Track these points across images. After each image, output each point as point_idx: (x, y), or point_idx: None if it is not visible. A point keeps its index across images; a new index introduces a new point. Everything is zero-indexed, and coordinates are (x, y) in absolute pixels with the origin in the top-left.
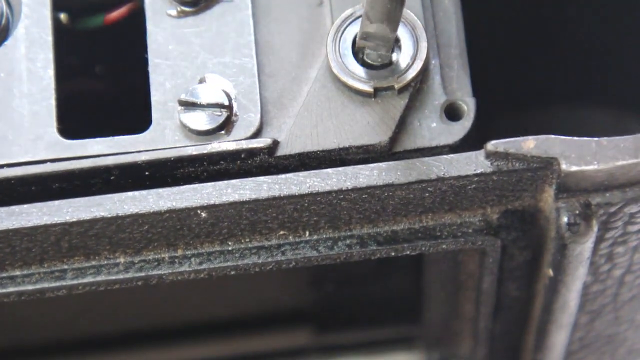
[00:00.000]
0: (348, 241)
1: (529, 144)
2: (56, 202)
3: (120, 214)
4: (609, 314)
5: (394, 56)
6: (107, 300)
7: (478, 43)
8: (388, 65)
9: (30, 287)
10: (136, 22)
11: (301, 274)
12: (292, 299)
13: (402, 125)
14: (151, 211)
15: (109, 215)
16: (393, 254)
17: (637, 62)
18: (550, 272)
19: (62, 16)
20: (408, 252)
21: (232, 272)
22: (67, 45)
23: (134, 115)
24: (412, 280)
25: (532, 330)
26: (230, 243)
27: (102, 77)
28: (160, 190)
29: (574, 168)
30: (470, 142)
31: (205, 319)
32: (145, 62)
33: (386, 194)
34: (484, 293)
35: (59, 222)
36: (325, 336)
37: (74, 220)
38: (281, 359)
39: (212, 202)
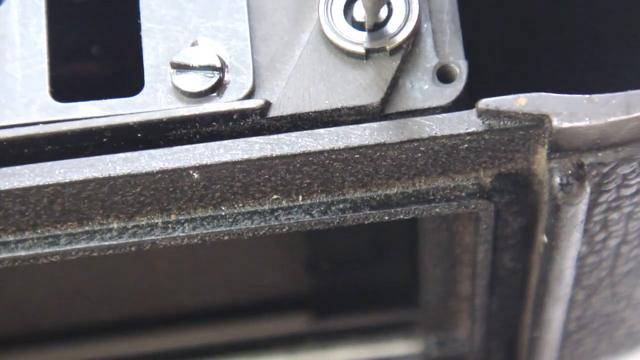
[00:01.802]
0: (341, 205)
1: (521, 101)
2: (48, 164)
3: (112, 175)
4: (605, 289)
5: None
6: (103, 285)
7: (472, 35)
8: (380, 27)
9: (23, 253)
10: None
11: (298, 259)
12: (289, 284)
13: (394, 87)
14: (143, 172)
15: (101, 176)
16: (387, 218)
17: (637, 58)
18: (545, 239)
19: None
20: (401, 216)
21: (226, 237)
22: (61, 12)
23: (128, 80)
24: (408, 263)
25: (529, 306)
26: (223, 208)
27: (96, 44)
28: (152, 151)
29: (565, 124)
30: (462, 105)
31: (201, 304)
32: (138, 27)
33: (378, 154)
34: (479, 265)
35: (51, 182)
36: (322, 322)
37: (66, 181)
38: (278, 345)
39: (204, 162)
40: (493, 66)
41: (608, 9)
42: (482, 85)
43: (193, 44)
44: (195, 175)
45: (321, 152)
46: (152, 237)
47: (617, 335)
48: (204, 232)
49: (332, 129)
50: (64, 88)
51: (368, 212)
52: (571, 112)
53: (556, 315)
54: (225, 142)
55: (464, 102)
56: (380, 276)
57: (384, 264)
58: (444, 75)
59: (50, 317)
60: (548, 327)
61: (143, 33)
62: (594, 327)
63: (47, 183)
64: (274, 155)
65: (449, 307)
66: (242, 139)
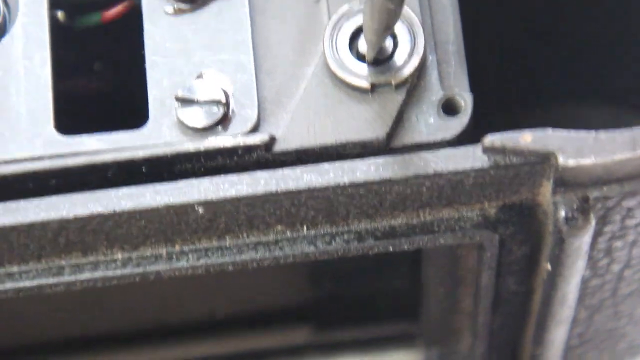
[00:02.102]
0: (346, 236)
1: (526, 138)
2: (53, 198)
3: (117, 210)
4: (608, 308)
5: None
6: (106, 298)
7: (475, 39)
8: (385, 60)
9: (28, 284)
10: (134, 19)
11: (300, 272)
12: (291, 296)
13: (399, 120)
14: (148, 207)
15: (106, 211)
16: (391, 248)
17: (636, 58)
18: (549, 267)
19: (60, 14)
20: (406, 247)
21: (230, 268)
22: (65, 42)
23: (132, 112)
24: (411, 277)
25: (531, 325)
26: (227, 238)
27: (99, 74)
28: (157, 185)
29: (571, 162)
30: (467, 138)
31: (204, 316)
32: (142, 59)
33: (383, 189)
34: (482, 288)
35: (56, 218)
36: (324, 334)
37: (71, 216)
38: (281, 357)
39: (209, 197)
40: (490, 63)
41: (608, 11)
42: (482, 86)
43: (198, 77)
44: (200, 210)
45: (326, 188)
46: (157, 268)
47: (619, 349)
48: (209, 262)
49: (337, 163)
50: (68, 118)
51: (372, 242)
52: (577, 149)
53: (558, 334)
54: (230, 176)
55: (469, 133)
56: (382, 289)
57: (386, 277)
58: (449, 108)
59: (52, 330)
60: (550, 345)
61: (147, 66)
62: (595, 342)
63: (52, 218)
64: (279, 190)
65: (451, 323)
66: (247, 174)
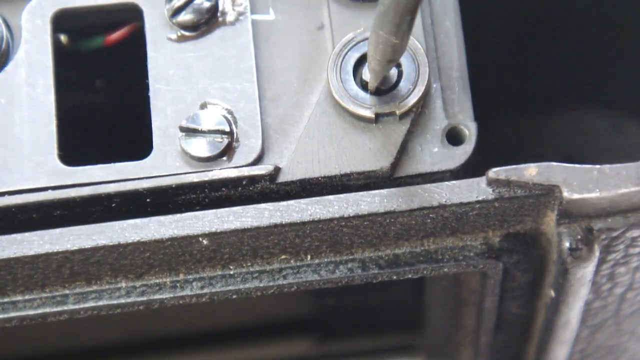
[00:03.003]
0: (350, 265)
1: (531, 171)
2: (57, 230)
3: (121, 242)
4: (610, 327)
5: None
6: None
7: (477, 47)
8: (389, 90)
9: (32, 312)
10: (137, 42)
11: None
12: (294, 308)
13: (403, 150)
14: (153, 239)
15: (111, 244)
16: (395, 277)
17: (636, 63)
18: (552, 293)
19: (63, 37)
20: (410, 276)
21: (234, 297)
22: (68, 66)
23: (136, 138)
24: (414, 289)
25: (533, 345)
26: (231, 267)
27: (103, 97)
28: (161, 217)
29: (575, 196)
30: (471, 166)
31: (207, 328)
32: (146, 84)
33: (388, 221)
34: (485, 311)
35: (60, 250)
36: (327, 345)
37: (76, 248)
38: None
39: (213, 229)
40: (491, 69)
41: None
42: (484, 92)
43: (202, 106)
44: (205, 242)
45: (331, 220)
46: (161, 296)
47: None
48: (213, 291)
49: (342, 195)
50: (72, 145)
51: (376, 271)
52: (581, 182)
53: (561, 354)
54: (234, 208)
55: (473, 162)
56: (385, 300)
57: (389, 289)
58: (453, 137)
59: (55, 339)
60: None
61: (151, 94)
62: (597, 357)
63: (56, 250)
64: (283, 222)
65: (454, 338)
66: (251, 206)
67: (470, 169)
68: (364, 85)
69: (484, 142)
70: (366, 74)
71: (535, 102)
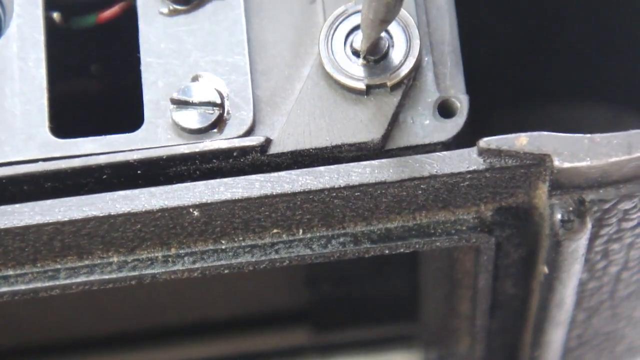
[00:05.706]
0: (342, 239)
1: (522, 141)
2: (48, 202)
3: (112, 213)
4: (606, 310)
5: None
6: (104, 300)
7: (473, 39)
8: (380, 61)
9: (23, 287)
10: (129, 20)
11: (298, 273)
12: (289, 298)
13: (395, 122)
14: (143, 210)
15: (101, 215)
16: (387, 251)
17: (635, 57)
18: (545, 269)
19: (55, 15)
20: (402, 250)
21: (226, 271)
22: (60, 44)
23: (127, 113)
24: (409, 278)
25: (529, 328)
26: (223, 242)
27: (95, 76)
28: (152, 189)
29: (566, 165)
30: (463, 139)
31: (203, 318)
32: (138, 60)
33: (379, 192)
34: (479, 291)
35: (51, 221)
36: (323, 335)
37: (66, 219)
38: (280, 358)
39: (204, 200)
40: (488, 62)
41: (608, 9)
42: (480, 86)
43: (193, 79)
44: (196, 213)
45: (322, 191)
46: (152, 271)
47: (618, 350)
48: (204, 265)
49: (333, 167)
50: (63, 120)
51: (368, 245)
52: (572, 152)
53: (556, 337)
54: (225, 180)
55: (465, 135)
56: (380, 290)
57: (384, 279)
58: (444, 110)
59: (50, 331)
60: (548, 347)
61: (143, 67)
62: (594, 344)
63: (47, 222)
64: (274, 193)
65: (450, 325)
66: (242, 177)
67: (462, 143)
68: (355, 53)
69: (481, 134)
70: (357, 42)
71: (533, 95)
